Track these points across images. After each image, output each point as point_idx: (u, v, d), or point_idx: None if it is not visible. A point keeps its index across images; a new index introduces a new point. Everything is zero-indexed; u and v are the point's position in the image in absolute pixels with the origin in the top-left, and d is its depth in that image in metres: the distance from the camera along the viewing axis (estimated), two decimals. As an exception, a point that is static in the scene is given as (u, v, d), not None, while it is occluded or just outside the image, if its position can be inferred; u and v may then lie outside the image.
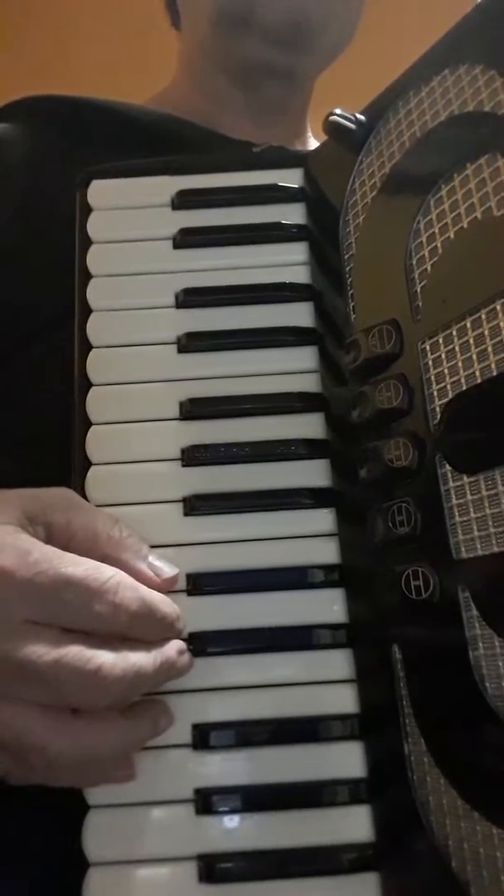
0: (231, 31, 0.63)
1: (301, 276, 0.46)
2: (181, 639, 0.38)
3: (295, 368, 0.44)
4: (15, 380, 0.51)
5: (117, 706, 0.33)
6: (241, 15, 0.61)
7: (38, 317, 0.51)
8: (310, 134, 0.75)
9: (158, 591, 0.38)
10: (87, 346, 0.45)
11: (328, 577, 0.40)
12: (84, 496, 0.41)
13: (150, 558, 0.38)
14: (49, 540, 0.35)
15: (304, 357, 0.45)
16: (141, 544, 0.38)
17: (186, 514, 0.41)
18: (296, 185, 0.48)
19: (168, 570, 0.38)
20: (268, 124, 0.68)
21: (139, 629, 0.35)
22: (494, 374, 0.33)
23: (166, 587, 0.38)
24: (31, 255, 0.53)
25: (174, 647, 0.36)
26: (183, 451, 0.42)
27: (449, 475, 0.35)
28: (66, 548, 0.35)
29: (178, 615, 0.37)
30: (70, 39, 1.79)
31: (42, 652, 0.31)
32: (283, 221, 0.47)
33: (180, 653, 0.37)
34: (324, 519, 0.41)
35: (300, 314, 0.45)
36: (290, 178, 0.49)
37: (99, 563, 0.34)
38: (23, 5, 1.80)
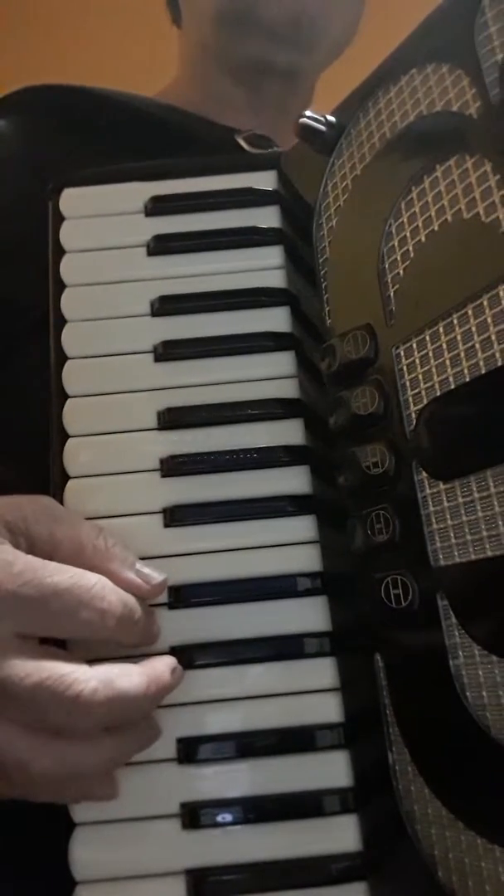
0: (232, 30, 0.62)
1: (277, 280, 0.46)
2: (164, 652, 0.38)
3: (273, 374, 0.44)
4: (13, 380, 0.51)
5: (103, 726, 0.33)
6: (243, 13, 0.61)
7: (37, 315, 0.50)
8: None
9: (148, 597, 0.38)
10: (62, 357, 0.44)
11: (310, 585, 0.40)
12: (62, 509, 0.41)
13: (137, 566, 0.38)
14: (31, 551, 0.35)
15: (283, 362, 0.44)
16: (126, 553, 0.38)
17: (166, 525, 0.41)
18: (270, 188, 0.48)
19: (157, 576, 0.38)
20: (269, 123, 0.67)
21: (124, 633, 0.35)
22: (468, 379, 0.32)
23: (156, 593, 0.38)
24: (29, 253, 0.52)
25: (166, 666, 0.36)
26: (161, 461, 0.42)
27: (426, 482, 0.34)
28: (51, 559, 0.34)
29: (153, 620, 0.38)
30: (70, 39, 1.77)
31: (23, 675, 0.30)
32: (258, 225, 0.47)
33: (172, 671, 0.36)
34: (305, 526, 0.41)
35: (277, 319, 0.45)
36: (264, 181, 0.48)
37: (83, 570, 0.34)
38: (22, 3, 1.78)
